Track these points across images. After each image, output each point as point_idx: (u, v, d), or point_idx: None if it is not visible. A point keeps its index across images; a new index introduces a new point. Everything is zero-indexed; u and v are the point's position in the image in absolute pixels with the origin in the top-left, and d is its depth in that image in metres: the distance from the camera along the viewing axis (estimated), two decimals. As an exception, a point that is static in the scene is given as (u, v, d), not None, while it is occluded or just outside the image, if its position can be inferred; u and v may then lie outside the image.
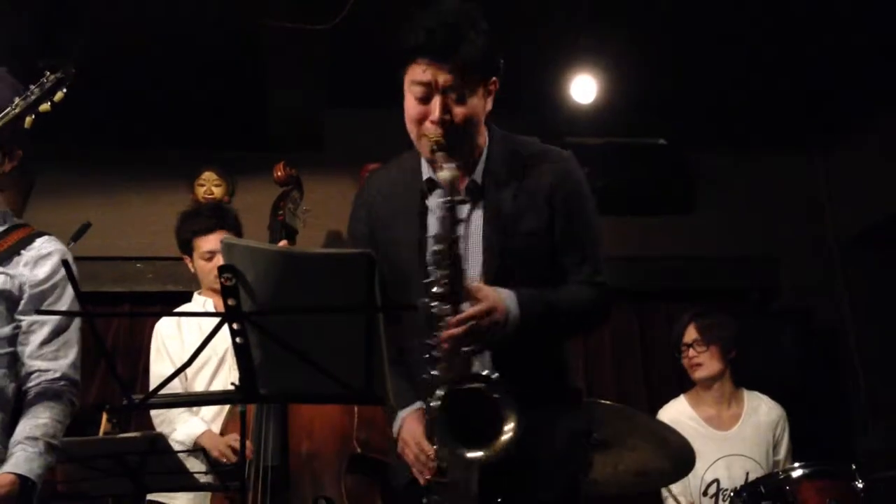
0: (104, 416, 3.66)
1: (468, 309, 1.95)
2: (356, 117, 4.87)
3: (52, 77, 2.35)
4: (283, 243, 3.58)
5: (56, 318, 2.34)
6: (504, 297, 1.99)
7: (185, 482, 2.77)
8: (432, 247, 2.01)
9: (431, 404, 1.97)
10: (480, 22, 2.09)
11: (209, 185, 4.76)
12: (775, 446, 3.66)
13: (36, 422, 2.25)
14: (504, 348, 2.00)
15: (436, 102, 2.06)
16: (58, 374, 2.32)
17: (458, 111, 2.07)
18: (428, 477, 1.99)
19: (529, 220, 2.12)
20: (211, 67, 4.30)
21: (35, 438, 2.22)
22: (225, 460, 3.07)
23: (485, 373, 1.95)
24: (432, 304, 1.97)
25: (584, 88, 4.47)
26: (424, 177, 2.20)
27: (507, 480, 1.97)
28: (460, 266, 1.98)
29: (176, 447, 3.15)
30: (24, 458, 2.19)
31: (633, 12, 4.07)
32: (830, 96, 4.79)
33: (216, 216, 3.57)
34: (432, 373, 1.98)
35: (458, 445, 1.89)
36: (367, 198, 2.30)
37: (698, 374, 3.68)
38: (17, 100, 2.32)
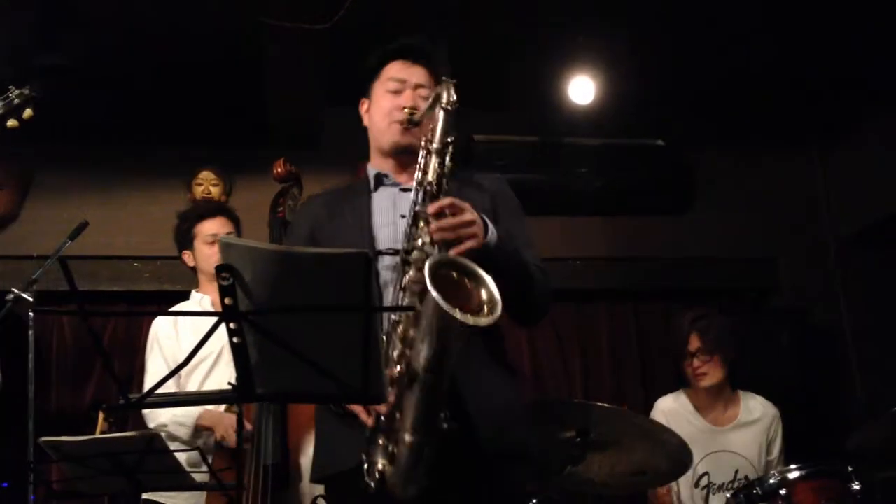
0: (101, 416, 3.66)
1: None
2: (355, 116, 4.83)
3: (18, 93, 2.34)
4: None
5: None
6: (483, 218, 2.08)
7: (182, 481, 2.77)
8: (421, 149, 2.15)
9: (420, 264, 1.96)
10: (444, 48, 2.44)
11: (207, 185, 4.76)
12: (769, 446, 3.68)
13: None
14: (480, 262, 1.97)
15: (407, 94, 2.31)
16: None
17: (423, 105, 2.27)
18: (372, 416, 1.97)
19: (477, 200, 2.19)
20: (209, 66, 4.29)
21: None
22: (225, 443, 3.06)
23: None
24: (416, 204, 2.08)
25: (582, 89, 4.48)
26: (372, 173, 2.35)
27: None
28: (446, 169, 2.12)
29: (177, 429, 3.15)
30: None
31: (630, 13, 4.07)
32: (828, 96, 4.80)
33: (216, 204, 3.61)
34: (404, 280, 2.01)
35: (451, 306, 1.80)
36: (308, 206, 2.46)
37: (704, 382, 3.69)
38: None
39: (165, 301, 3.71)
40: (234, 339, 1.72)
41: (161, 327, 3.42)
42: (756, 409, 3.74)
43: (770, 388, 3.86)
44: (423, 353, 1.88)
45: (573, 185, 4.96)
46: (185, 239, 3.55)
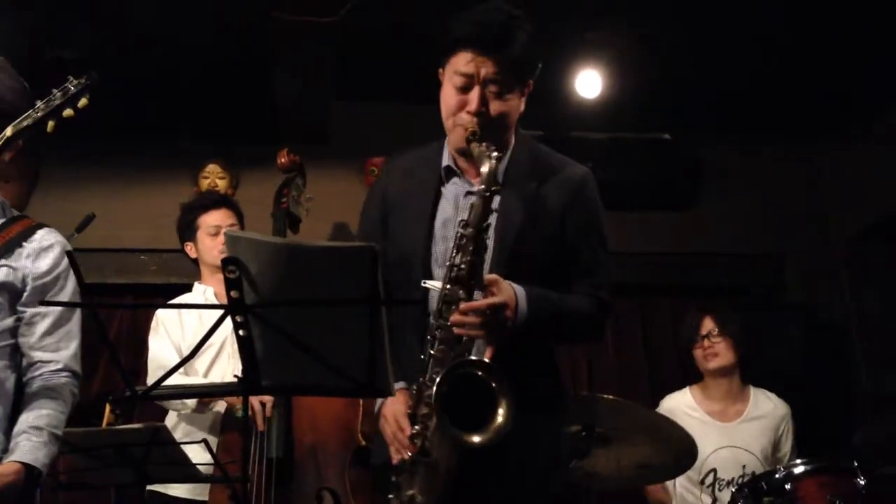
0: (107, 407, 3.67)
1: (484, 299, 1.98)
2: (362, 110, 4.87)
3: (76, 83, 2.37)
4: None
5: (57, 309, 2.35)
6: (516, 293, 2.01)
7: (188, 473, 2.78)
8: (459, 230, 2.02)
9: (426, 383, 1.99)
10: (528, 24, 2.16)
11: (213, 178, 4.77)
12: (778, 443, 3.67)
13: (39, 412, 2.26)
14: (505, 343, 2.01)
15: (475, 93, 2.11)
16: (60, 366, 2.33)
17: (496, 105, 2.13)
18: (401, 456, 2.01)
19: (542, 227, 2.16)
20: (216, 60, 4.30)
21: (39, 428, 2.24)
22: (236, 410, 3.07)
23: (485, 359, 1.97)
24: (447, 286, 2.00)
25: (589, 83, 4.47)
26: (444, 164, 2.25)
27: (482, 472, 1.99)
28: (483, 255, 2.02)
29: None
30: (29, 447, 2.21)
31: (638, 7, 4.06)
32: (837, 92, 4.78)
33: (218, 195, 3.62)
34: (431, 352, 2.00)
35: (451, 426, 1.89)
36: (384, 180, 2.38)
37: (713, 363, 3.69)
38: (38, 103, 2.33)
39: (171, 294, 3.71)
40: (241, 332, 1.72)
41: (166, 314, 3.42)
42: (765, 404, 3.74)
43: (777, 384, 3.86)
44: (434, 440, 1.96)
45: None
46: (187, 230, 3.55)
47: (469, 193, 2.17)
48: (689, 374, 3.97)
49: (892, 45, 4.29)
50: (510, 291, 2.00)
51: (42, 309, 2.33)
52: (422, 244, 2.16)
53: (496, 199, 2.07)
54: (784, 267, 5.26)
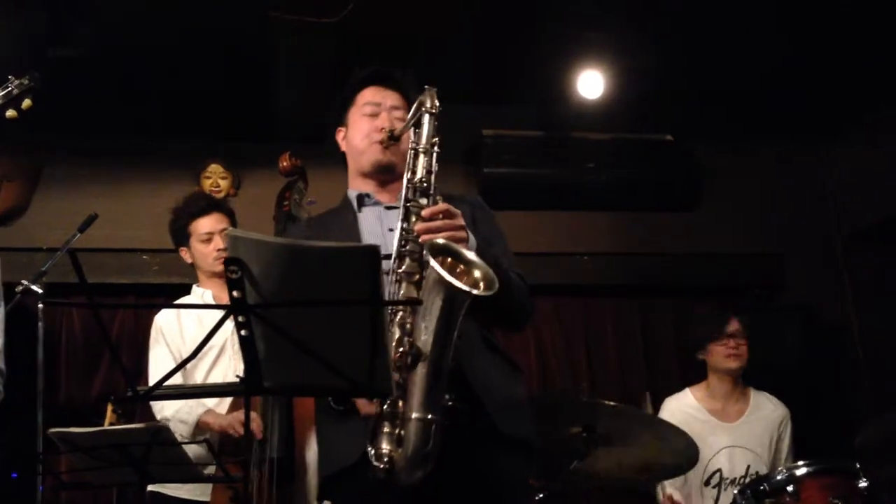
0: (109, 407, 3.67)
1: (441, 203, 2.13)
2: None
3: (17, 83, 2.35)
4: None
5: None
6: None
7: (189, 473, 2.78)
8: (411, 146, 2.22)
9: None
10: (411, 73, 2.48)
11: (215, 178, 4.77)
12: (777, 444, 3.68)
13: None
14: None
15: (383, 116, 2.40)
16: None
17: (400, 127, 2.34)
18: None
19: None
20: (217, 60, 4.31)
21: None
22: (232, 432, 3.06)
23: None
24: (407, 202, 2.14)
25: (590, 84, 4.47)
26: (353, 197, 2.42)
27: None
28: (433, 170, 2.19)
29: (177, 426, 3.16)
30: None
31: (640, 7, 4.06)
32: (836, 93, 4.78)
33: (208, 199, 3.60)
34: (400, 271, 2.07)
35: (454, 278, 1.91)
36: (292, 232, 2.63)
37: (736, 363, 3.71)
38: None
39: (173, 293, 3.71)
40: (242, 332, 1.73)
41: (165, 320, 3.41)
42: (765, 405, 3.76)
43: (776, 385, 3.86)
44: (427, 331, 1.94)
45: (581, 179, 4.95)
46: (180, 236, 3.54)
47: (389, 208, 2.35)
48: (688, 374, 3.97)
49: (892, 46, 4.29)
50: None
51: None
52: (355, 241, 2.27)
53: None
54: (784, 267, 5.26)
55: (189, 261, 3.55)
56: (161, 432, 2.61)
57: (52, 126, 4.13)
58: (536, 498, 3.09)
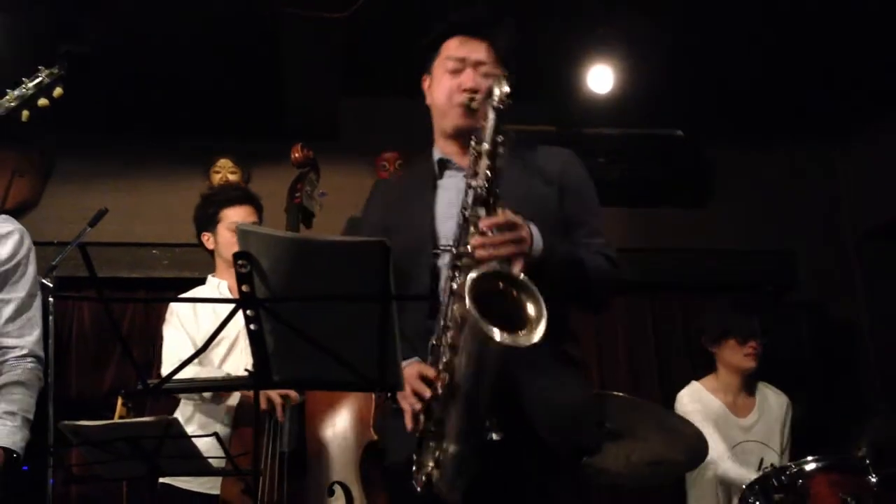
0: (119, 401, 3.68)
1: (500, 214, 1.94)
2: (372, 106, 4.87)
3: (48, 72, 2.37)
4: None
5: (20, 296, 2.37)
6: (529, 226, 1.98)
7: (200, 466, 2.79)
8: (472, 147, 2.03)
9: (442, 334, 1.94)
10: (510, 19, 2.25)
11: (225, 173, 4.77)
12: (782, 430, 3.70)
13: (11, 397, 2.27)
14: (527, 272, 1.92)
15: (468, 73, 2.20)
16: (25, 351, 2.34)
17: (485, 84, 2.14)
18: (418, 407, 1.94)
19: (539, 189, 2.16)
20: (227, 55, 4.31)
21: (13, 413, 2.25)
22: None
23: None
24: (465, 210, 1.98)
25: (600, 79, 4.45)
26: (436, 158, 2.29)
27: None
28: (498, 175, 1.99)
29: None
30: (5, 432, 2.22)
31: (650, 2, 4.05)
32: (850, 91, 4.76)
33: (243, 191, 3.60)
34: (452, 285, 1.95)
35: (489, 325, 1.75)
36: (381, 186, 2.43)
37: (753, 364, 3.73)
38: (10, 93, 2.33)
39: (184, 288, 3.72)
40: (252, 326, 1.73)
41: (180, 305, 3.42)
42: (770, 396, 3.79)
43: (788, 381, 3.86)
44: (462, 367, 1.86)
45: (591, 175, 4.93)
46: (208, 221, 3.52)
47: (469, 186, 2.15)
48: (698, 369, 3.96)
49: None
50: (523, 220, 1.96)
51: (4, 295, 2.33)
52: (428, 225, 2.16)
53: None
54: (796, 264, 5.25)
55: (210, 247, 3.54)
56: (171, 425, 2.62)
57: (62, 121, 4.14)
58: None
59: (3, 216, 2.46)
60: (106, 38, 3.95)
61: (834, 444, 3.39)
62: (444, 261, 2.09)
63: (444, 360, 1.93)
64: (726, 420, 3.68)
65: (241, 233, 1.72)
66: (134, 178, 4.76)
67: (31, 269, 2.40)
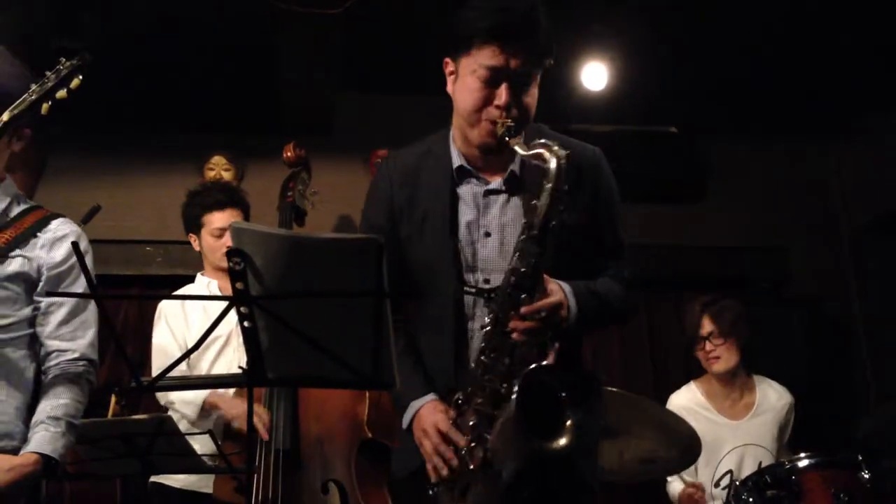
0: (113, 398, 3.68)
1: (543, 300, 1.92)
2: (366, 102, 4.87)
3: (68, 64, 2.38)
4: None
5: (73, 299, 2.36)
6: (564, 291, 1.97)
7: (193, 464, 2.79)
8: (523, 233, 1.95)
9: (476, 391, 1.95)
10: (543, 10, 2.07)
11: (218, 170, 4.77)
12: (780, 432, 3.65)
13: (57, 402, 2.27)
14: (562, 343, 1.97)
15: (504, 88, 2.02)
16: (76, 354, 2.34)
17: (524, 100, 2.05)
18: (444, 473, 1.95)
19: (573, 216, 2.05)
20: (222, 51, 4.29)
21: (57, 418, 2.25)
22: (237, 424, 3.07)
23: (550, 362, 1.92)
24: (508, 291, 1.93)
25: (594, 76, 4.45)
26: (455, 164, 2.16)
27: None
28: (547, 260, 1.93)
29: (183, 407, 3.16)
30: (47, 437, 2.22)
31: (646, 1, 4.05)
32: (843, 87, 4.76)
33: (227, 193, 3.57)
34: (482, 359, 1.94)
35: (531, 434, 1.82)
36: (384, 183, 2.22)
37: (716, 367, 3.62)
38: (33, 86, 2.34)
39: (177, 285, 3.72)
40: (245, 324, 1.73)
41: (169, 305, 3.42)
42: (772, 395, 3.70)
43: (781, 377, 3.84)
44: (495, 448, 1.88)
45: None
46: (192, 224, 3.53)
47: (489, 193, 2.12)
48: (693, 367, 3.95)
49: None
50: (561, 290, 1.96)
51: (58, 299, 2.34)
52: (449, 250, 2.07)
53: (514, 201, 2.08)
54: (789, 260, 5.26)
55: (197, 248, 3.55)
56: (165, 423, 2.61)
57: (55, 118, 4.13)
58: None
59: (62, 219, 2.47)
60: (99, 33, 3.93)
61: (827, 439, 3.40)
62: (470, 301, 2.06)
63: (470, 423, 1.93)
64: (721, 428, 3.59)
65: (235, 230, 1.72)
66: (127, 175, 4.75)
67: None
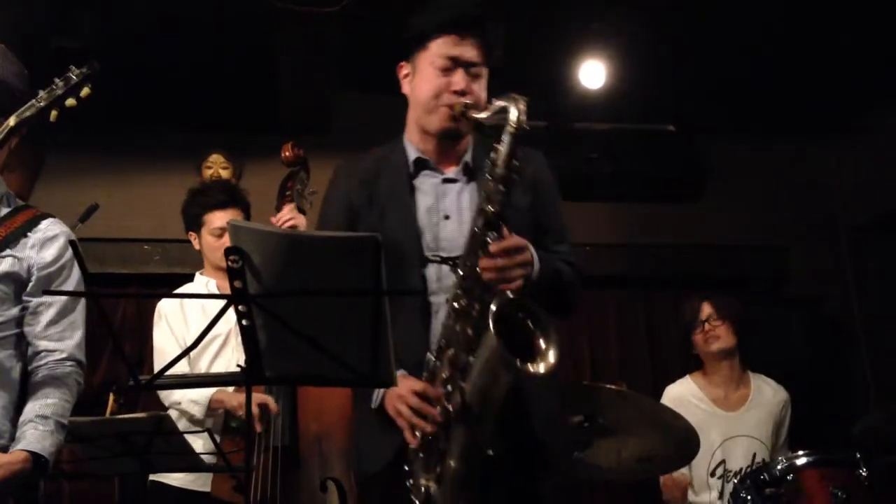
0: (111, 397, 3.68)
1: (508, 237, 1.98)
2: (364, 101, 4.86)
3: (78, 72, 2.38)
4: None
5: (62, 299, 2.36)
6: (531, 249, 2.03)
7: (191, 462, 2.79)
8: (487, 174, 2.01)
9: (441, 344, 1.98)
10: (499, 17, 2.22)
11: (216, 168, 4.76)
12: (777, 429, 3.68)
13: (45, 401, 2.27)
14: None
15: (459, 74, 2.15)
16: (65, 355, 2.34)
17: (475, 88, 2.17)
18: (428, 429, 1.95)
19: (517, 200, 2.13)
20: (219, 50, 4.30)
21: (46, 417, 2.24)
22: (240, 415, 3.06)
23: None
24: (476, 228, 2.00)
25: (593, 74, 4.45)
26: (412, 157, 2.26)
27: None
28: (510, 196, 2.00)
29: (190, 406, 3.16)
30: (36, 436, 2.21)
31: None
32: (841, 85, 4.76)
33: (229, 193, 3.57)
34: (455, 304, 1.98)
35: (511, 359, 1.84)
36: (342, 188, 2.32)
37: (715, 346, 3.68)
38: (41, 92, 2.34)
39: (175, 284, 3.71)
40: (244, 322, 1.73)
41: (168, 304, 3.42)
42: (767, 391, 3.73)
43: (780, 375, 3.85)
44: (473, 389, 1.90)
45: (584, 170, 4.94)
46: (193, 222, 3.53)
47: (446, 181, 2.22)
48: (690, 365, 3.96)
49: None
50: (524, 240, 2.01)
51: (47, 299, 2.34)
52: (412, 232, 2.14)
53: (470, 188, 2.16)
54: (788, 259, 5.26)
55: (197, 247, 3.54)
56: (163, 421, 2.61)
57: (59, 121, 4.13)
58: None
59: (52, 219, 2.47)
60: (97, 32, 3.93)
61: (827, 439, 3.40)
62: (431, 270, 2.12)
63: (444, 376, 1.95)
64: (714, 418, 3.62)
65: (233, 228, 1.72)
66: (125, 174, 4.75)
67: (76, 273, 2.40)
